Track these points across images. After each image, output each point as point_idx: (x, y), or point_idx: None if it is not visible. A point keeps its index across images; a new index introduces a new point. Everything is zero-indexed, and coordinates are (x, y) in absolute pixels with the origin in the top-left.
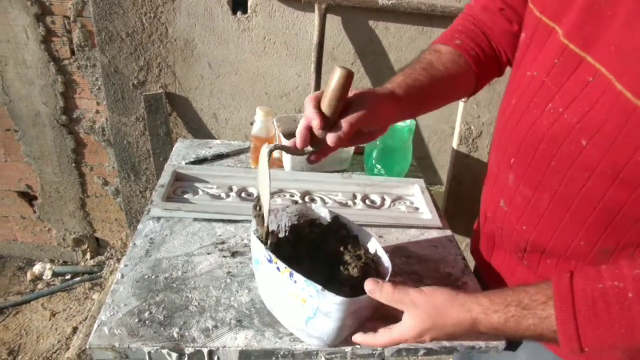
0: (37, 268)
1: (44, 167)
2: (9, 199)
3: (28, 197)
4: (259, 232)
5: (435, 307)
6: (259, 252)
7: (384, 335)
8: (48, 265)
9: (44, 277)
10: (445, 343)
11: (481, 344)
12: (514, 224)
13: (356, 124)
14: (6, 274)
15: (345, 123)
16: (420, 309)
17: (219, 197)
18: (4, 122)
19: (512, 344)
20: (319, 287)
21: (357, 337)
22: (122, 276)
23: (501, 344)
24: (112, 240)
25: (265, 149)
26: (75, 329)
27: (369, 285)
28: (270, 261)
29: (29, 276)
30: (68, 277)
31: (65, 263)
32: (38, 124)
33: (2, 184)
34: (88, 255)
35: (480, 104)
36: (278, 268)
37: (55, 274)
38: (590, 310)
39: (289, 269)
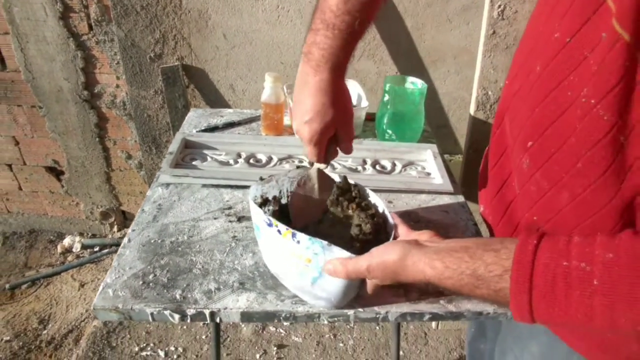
0: (66, 241)
1: (69, 142)
2: (37, 174)
3: (55, 172)
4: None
5: (388, 267)
6: (259, 217)
7: (344, 264)
8: (77, 238)
9: (74, 250)
10: (452, 308)
11: (489, 309)
12: (524, 210)
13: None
14: (38, 247)
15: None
16: (376, 274)
17: (227, 164)
18: (28, 98)
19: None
20: (325, 242)
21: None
22: (129, 240)
23: (510, 311)
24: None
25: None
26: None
27: (328, 265)
28: (270, 225)
29: (59, 249)
30: (96, 249)
31: (93, 236)
32: (61, 100)
33: (30, 160)
34: (115, 228)
35: (498, 68)
36: (279, 231)
37: (84, 247)
38: (548, 287)
39: (290, 230)
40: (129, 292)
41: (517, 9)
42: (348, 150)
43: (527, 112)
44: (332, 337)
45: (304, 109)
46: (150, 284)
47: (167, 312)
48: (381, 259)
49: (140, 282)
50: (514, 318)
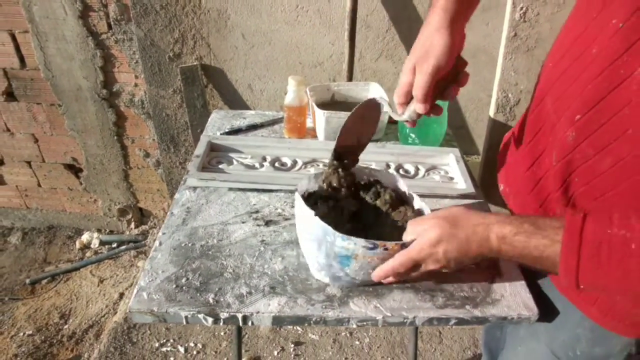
0: (85, 237)
1: (88, 140)
2: (56, 172)
3: (74, 169)
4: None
5: (451, 214)
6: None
7: (400, 256)
8: (95, 235)
9: (92, 246)
10: (477, 313)
11: (513, 314)
12: (559, 180)
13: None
14: (57, 243)
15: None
16: (436, 218)
17: (253, 167)
18: (48, 97)
19: (547, 315)
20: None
21: (374, 274)
22: (160, 244)
23: (533, 314)
24: (155, 210)
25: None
26: (121, 295)
27: (375, 273)
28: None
29: (77, 245)
30: (114, 245)
31: (111, 232)
32: (80, 98)
33: (50, 157)
34: (132, 225)
35: (519, 70)
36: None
37: (102, 243)
38: (594, 250)
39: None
40: (163, 296)
41: (539, 12)
42: (452, 96)
43: (578, 90)
44: (348, 335)
45: (420, 46)
46: (184, 288)
47: (200, 316)
48: (446, 209)
49: (174, 286)
50: (561, 281)
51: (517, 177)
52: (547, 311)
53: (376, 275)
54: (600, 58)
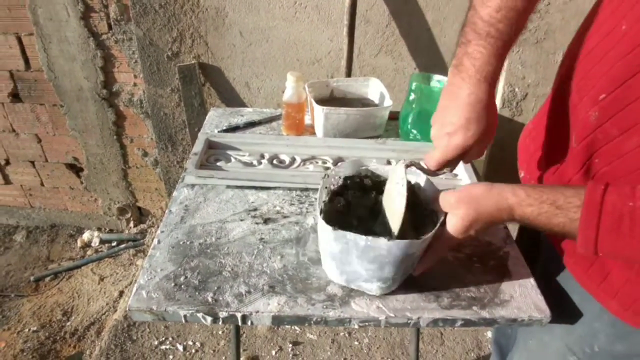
0: (86, 235)
1: (88, 140)
2: (58, 171)
3: (75, 168)
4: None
5: (474, 197)
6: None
7: (438, 248)
8: (96, 233)
9: (93, 244)
10: (485, 314)
11: (523, 316)
12: (579, 163)
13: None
14: (59, 241)
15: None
16: (461, 206)
17: (251, 165)
18: (50, 97)
19: (561, 315)
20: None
21: (418, 270)
22: (159, 242)
23: (546, 316)
24: (153, 209)
25: (402, 163)
26: (121, 293)
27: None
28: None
29: (79, 243)
30: (114, 244)
31: (111, 231)
32: (81, 99)
33: (52, 157)
34: (132, 224)
35: (526, 64)
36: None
37: (102, 241)
38: (615, 224)
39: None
40: (162, 294)
41: (549, 2)
42: (469, 161)
43: (605, 68)
44: (347, 335)
45: (449, 120)
46: (182, 286)
47: (199, 315)
48: (467, 190)
49: (172, 284)
50: (578, 247)
51: (538, 163)
52: (562, 310)
53: (420, 269)
54: (631, 35)
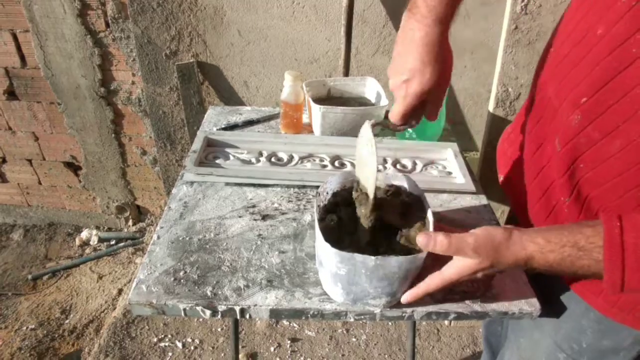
0: (84, 234)
1: (86, 138)
2: (56, 169)
3: (73, 167)
4: (365, 212)
5: (493, 248)
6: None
7: (435, 279)
8: (94, 232)
9: (91, 243)
10: (477, 308)
11: (514, 309)
12: (563, 167)
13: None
14: (57, 240)
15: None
16: (480, 254)
17: (249, 162)
18: (47, 95)
19: (550, 311)
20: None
21: (406, 297)
22: (158, 237)
23: (535, 310)
24: (152, 207)
25: (367, 123)
26: (120, 291)
27: (421, 238)
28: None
29: (77, 242)
30: (113, 242)
31: (110, 229)
32: (79, 97)
33: (50, 155)
34: (130, 222)
35: (519, 64)
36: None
37: (101, 240)
38: (639, 262)
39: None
40: (162, 288)
41: (541, 3)
42: (433, 117)
43: (584, 72)
44: (344, 332)
45: (404, 67)
46: (182, 281)
47: (199, 308)
48: (488, 233)
49: (172, 279)
50: (605, 289)
51: (518, 166)
52: (550, 306)
53: (410, 296)
54: (609, 38)
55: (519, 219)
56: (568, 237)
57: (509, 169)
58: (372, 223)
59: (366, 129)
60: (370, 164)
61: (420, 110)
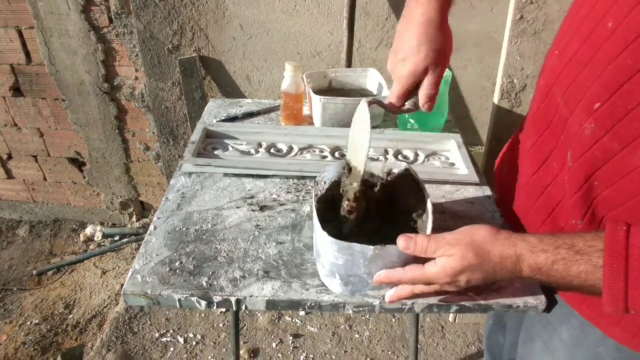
0: (88, 230)
1: (90, 134)
2: (61, 165)
3: (77, 163)
4: (355, 187)
5: (475, 242)
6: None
7: (412, 270)
8: (98, 228)
9: (95, 239)
10: (480, 300)
11: (519, 302)
12: (580, 179)
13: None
14: (62, 236)
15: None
16: (458, 247)
17: (248, 153)
18: (52, 91)
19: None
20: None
21: (378, 276)
22: (155, 228)
23: (541, 303)
24: (156, 203)
25: (364, 101)
26: (123, 286)
27: (400, 241)
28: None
29: (81, 237)
30: (116, 238)
31: (113, 225)
32: (83, 93)
33: (54, 151)
34: (134, 218)
35: (525, 55)
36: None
37: (105, 236)
38: None
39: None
40: (157, 279)
41: None
42: (427, 100)
43: (594, 73)
44: (347, 327)
45: (400, 47)
46: (177, 271)
47: (194, 299)
48: (469, 229)
49: (167, 269)
50: (605, 307)
51: (518, 186)
52: (550, 288)
53: (381, 277)
54: (621, 31)
55: None
56: (565, 239)
57: (506, 189)
58: (358, 194)
59: (363, 107)
60: (363, 139)
61: (417, 90)
